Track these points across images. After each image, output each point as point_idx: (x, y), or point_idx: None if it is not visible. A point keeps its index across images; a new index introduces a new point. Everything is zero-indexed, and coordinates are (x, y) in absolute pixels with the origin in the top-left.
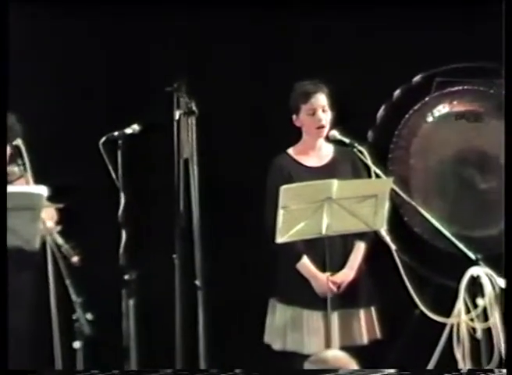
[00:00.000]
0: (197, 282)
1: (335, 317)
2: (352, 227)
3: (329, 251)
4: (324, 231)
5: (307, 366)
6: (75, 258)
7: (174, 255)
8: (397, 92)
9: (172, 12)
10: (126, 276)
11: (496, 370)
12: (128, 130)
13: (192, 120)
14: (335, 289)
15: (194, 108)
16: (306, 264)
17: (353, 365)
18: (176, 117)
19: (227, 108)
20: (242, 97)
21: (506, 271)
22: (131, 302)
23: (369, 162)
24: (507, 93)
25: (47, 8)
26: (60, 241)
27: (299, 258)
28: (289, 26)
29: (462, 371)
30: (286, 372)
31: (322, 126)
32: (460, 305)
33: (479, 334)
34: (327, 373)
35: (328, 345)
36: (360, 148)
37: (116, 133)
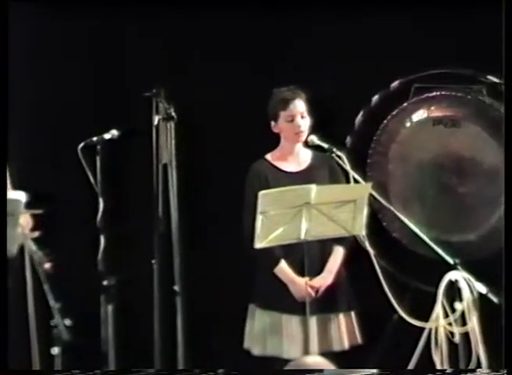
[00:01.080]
0: (176, 287)
1: (314, 322)
2: (331, 232)
3: (308, 255)
4: (303, 236)
5: None
6: (47, 265)
7: (153, 261)
8: (375, 98)
9: (151, 16)
10: (105, 282)
11: (478, 371)
12: (107, 136)
13: (171, 126)
14: (313, 293)
15: (173, 113)
16: (284, 269)
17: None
18: (155, 122)
19: (206, 113)
20: (221, 102)
21: (507, 271)
22: (110, 308)
23: (348, 167)
24: (507, 94)
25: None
26: (33, 247)
27: (277, 263)
28: (268, 33)
29: (446, 371)
30: (266, 373)
31: (301, 132)
32: (438, 310)
33: (457, 339)
34: (311, 373)
35: (307, 350)
36: (339, 153)
37: (95, 139)
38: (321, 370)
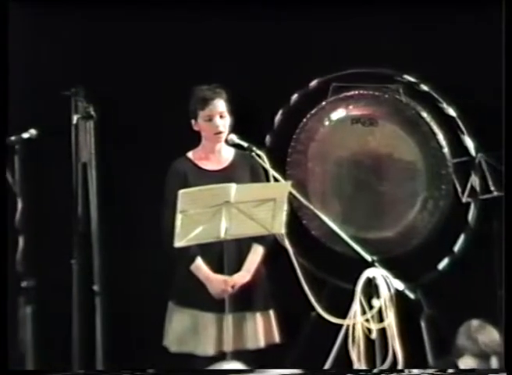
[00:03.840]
0: (96, 287)
1: (229, 320)
2: (250, 231)
3: (227, 254)
4: (222, 235)
5: None
6: None
7: (72, 261)
8: (294, 97)
9: (71, 15)
10: (24, 283)
11: (406, 370)
12: (25, 135)
13: (90, 124)
14: (229, 289)
15: (92, 112)
16: (199, 266)
17: None
18: (74, 121)
19: (126, 111)
20: (141, 101)
21: (507, 270)
22: (28, 309)
23: (267, 166)
24: (507, 92)
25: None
26: None
27: (193, 260)
28: (189, 30)
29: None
30: (187, 371)
31: (220, 132)
32: (356, 307)
33: (374, 335)
34: (227, 373)
35: (221, 348)
36: (259, 152)
37: (13, 138)
38: (239, 370)
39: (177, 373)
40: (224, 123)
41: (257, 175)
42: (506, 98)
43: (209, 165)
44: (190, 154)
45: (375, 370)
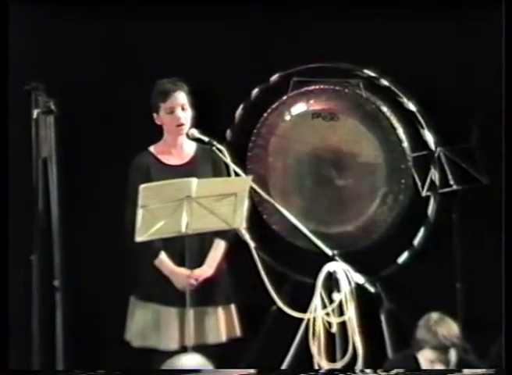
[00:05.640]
0: (56, 283)
1: (191, 314)
2: (212, 225)
3: (189, 248)
4: (183, 230)
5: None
6: None
7: (32, 256)
8: (255, 91)
9: (30, 9)
10: None
11: (360, 370)
12: None
13: (50, 119)
14: (193, 282)
15: (53, 107)
16: (163, 260)
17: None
18: (34, 116)
19: (87, 106)
20: (102, 95)
21: (506, 268)
22: None
23: (228, 160)
24: (507, 90)
25: None
26: None
27: (156, 254)
28: (150, 25)
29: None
30: (146, 371)
31: (181, 125)
32: (316, 301)
33: (334, 329)
34: (188, 373)
35: (184, 342)
36: (220, 146)
37: None
38: (198, 370)
39: (136, 372)
40: (185, 115)
41: (219, 169)
42: (506, 98)
43: (171, 159)
44: (152, 148)
45: (323, 370)
